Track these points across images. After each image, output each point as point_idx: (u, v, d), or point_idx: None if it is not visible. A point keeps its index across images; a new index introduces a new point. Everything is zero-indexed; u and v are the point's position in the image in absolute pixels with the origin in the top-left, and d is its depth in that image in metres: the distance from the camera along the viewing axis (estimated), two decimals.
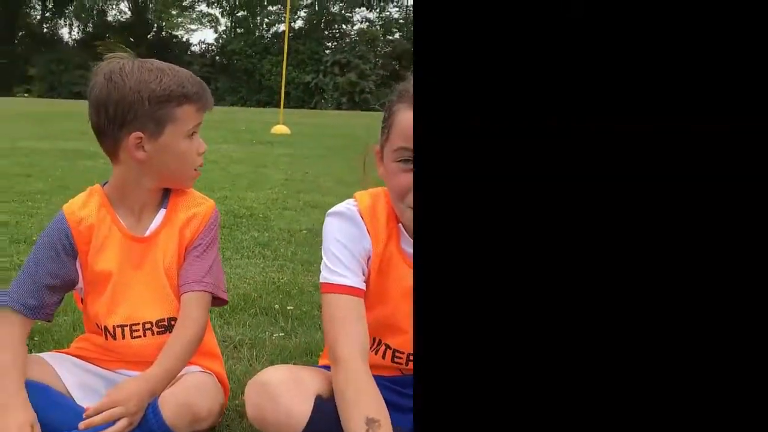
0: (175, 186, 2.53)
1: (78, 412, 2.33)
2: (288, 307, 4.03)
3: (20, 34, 67.36)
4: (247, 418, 2.50)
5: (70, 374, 2.48)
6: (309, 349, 3.40)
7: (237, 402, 2.77)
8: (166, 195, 2.53)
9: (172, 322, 2.48)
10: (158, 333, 2.48)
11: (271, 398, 2.13)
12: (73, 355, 2.57)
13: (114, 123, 2.32)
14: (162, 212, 2.51)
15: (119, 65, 2.34)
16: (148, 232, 2.48)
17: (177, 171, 2.47)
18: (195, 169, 2.52)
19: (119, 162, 2.41)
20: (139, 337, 2.48)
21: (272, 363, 3.19)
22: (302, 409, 2.09)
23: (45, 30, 68.93)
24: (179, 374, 2.40)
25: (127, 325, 2.48)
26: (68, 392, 2.44)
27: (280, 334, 3.62)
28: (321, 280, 2.28)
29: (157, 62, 2.41)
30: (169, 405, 2.25)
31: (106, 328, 2.49)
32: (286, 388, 2.13)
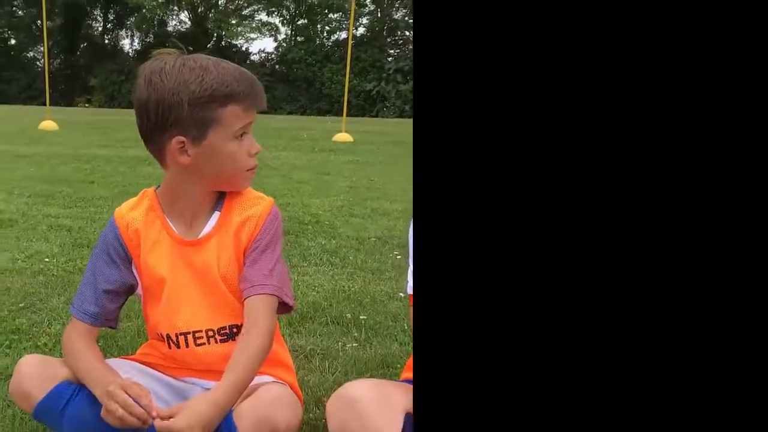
0: (227, 188, 2.37)
1: None
2: (361, 317, 3.94)
3: (82, 45, 68.36)
4: None
5: (137, 379, 2.37)
6: (386, 361, 3.29)
7: (311, 415, 2.68)
8: (221, 197, 2.39)
9: (235, 330, 2.37)
10: (221, 341, 2.38)
11: (357, 415, 2.00)
12: (139, 362, 2.50)
13: (156, 127, 2.21)
14: (216, 215, 2.37)
15: (161, 65, 2.22)
16: (200, 236, 2.36)
17: (226, 174, 2.33)
18: (248, 170, 2.34)
19: (166, 166, 2.30)
20: (203, 344, 2.38)
21: (347, 374, 3.09)
22: (391, 428, 1.95)
23: (106, 41, 69.84)
24: (254, 385, 2.27)
25: (189, 333, 2.38)
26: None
27: (354, 345, 3.53)
28: (409, 291, 2.14)
29: (203, 58, 2.26)
30: (247, 419, 2.14)
31: (168, 336, 2.41)
32: (373, 405, 2.00)
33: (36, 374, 2.27)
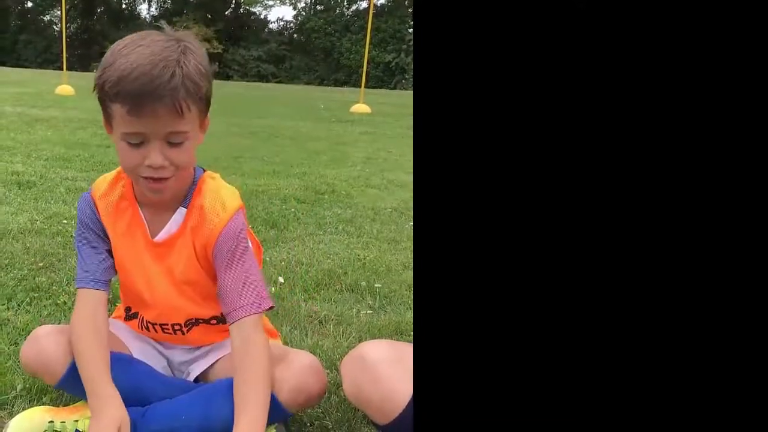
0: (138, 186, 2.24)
1: (163, 381, 2.37)
2: (375, 285, 3.95)
3: (99, 10, 68.24)
4: (331, 394, 2.51)
5: (131, 340, 2.47)
6: (399, 328, 3.32)
7: None
8: (189, 191, 2.30)
9: (201, 320, 2.41)
10: (187, 331, 2.42)
11: (371, 375, 2.03)
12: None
13: None
14: (182, 212, 2.29)
15: (116, 43, 2.10)
16: (164, 235, 2.30)
17: (128, 171, 2.19)
18: (143, 177, 2.12)
19: None
20: (169, 333, 2.44)
21: (360, 340, 3.12)
22: (405, 389, 1.97)
23: (123, 6, 69.76)
24: (284, 353, 2.31)
25: (157, 324, 2.42)
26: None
27: (368, 312, 3.55)
28: None
29: (139, 41, 2.05)
30: (286, 387, 2.20)
31: (142, 318, 2.45)
32: (388, 366, 2.02)
33: (55, 347, 2.26)
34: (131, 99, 1.97)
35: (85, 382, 2.16)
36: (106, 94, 2.04)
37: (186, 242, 2.28)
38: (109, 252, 2.33)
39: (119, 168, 2.32)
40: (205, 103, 2.12)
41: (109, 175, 2.36)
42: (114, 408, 2.10)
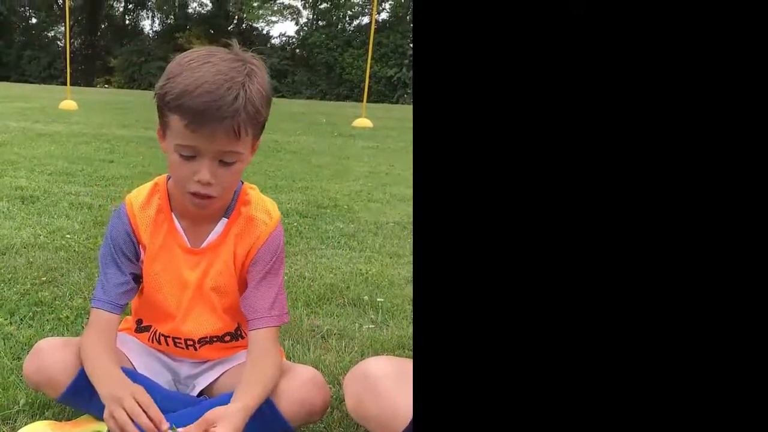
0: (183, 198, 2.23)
1: (165, 395, 2.34)
2: (378, 300, 3.94)
3: (103, 25, 68.47)
4: (333, 409, 2.51)
5: (137, 354, 2.46)
6: (402, 342, 3.31)
7: None
8: (231, 202, 2.32)
9: (215, 339, 2.42)
10: (199, 347, 2.43)
11: (373, 391, 2.03)
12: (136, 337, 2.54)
13: None
14: (223, 222, 2.32)
15: (183, 55, 2.11)
16: (204, 244, 2.33)
17: (176, 183, 2.21)
18: (190, 193, 2.13)
19: None
20: (181, 348, 2.44)
21: (363, 354, 3.12)
22: (407, 405, 1.96)
23: (127, 22, 69.97)
24: (288, 367, 2.33)
25: (170, 336, 2.42)
26: None
27: (371, 326, 3.54)
28: None
29: (205, 56, 2.06)
30: (290, 400, 2.22)
31: (154, 331, 2.45)
32: (389, 381, 2.03)
33: (58, 360, 2.27)
34: (192, 114, 1.99)
35: (93, 375, 2.18)
36: (166, 104, 2.05)
37: (227, 248, 2.31)
38: (134, 276, 2.34)
39: (155, 180, 2.37)
40: (261, 128, 2.14)
41: (144, 187, 2.38)
42: (128, 383, 2.14)
